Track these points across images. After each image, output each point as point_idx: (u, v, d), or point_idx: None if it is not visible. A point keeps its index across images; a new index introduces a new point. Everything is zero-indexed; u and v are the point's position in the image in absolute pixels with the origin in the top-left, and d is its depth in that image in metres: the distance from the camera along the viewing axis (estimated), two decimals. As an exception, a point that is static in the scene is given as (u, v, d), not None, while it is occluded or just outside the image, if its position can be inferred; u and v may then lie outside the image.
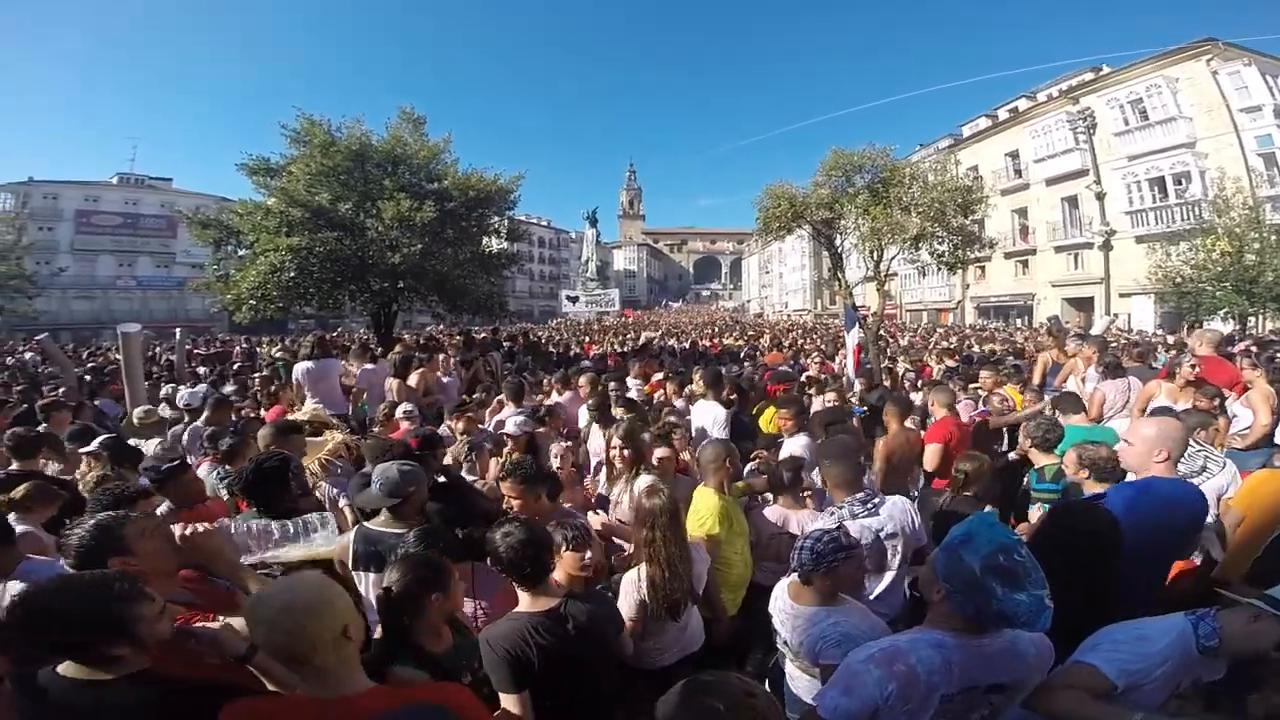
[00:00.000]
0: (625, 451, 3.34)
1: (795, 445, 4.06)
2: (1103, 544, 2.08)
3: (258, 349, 15.19)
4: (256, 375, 9.19)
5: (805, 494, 3.19)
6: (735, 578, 2.87)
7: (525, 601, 1.96)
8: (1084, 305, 25.87)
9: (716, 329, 24.82)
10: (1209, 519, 3.03)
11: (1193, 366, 4.74)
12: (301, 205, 10.80)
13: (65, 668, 1.35)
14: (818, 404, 5.68)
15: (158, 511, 2.62)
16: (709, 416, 5.02)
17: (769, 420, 5.00)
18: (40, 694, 1.34)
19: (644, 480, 3.14)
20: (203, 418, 5.22)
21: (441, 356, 7.64)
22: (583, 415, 5.50)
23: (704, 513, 2.86)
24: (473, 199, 12.48)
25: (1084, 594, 2.00)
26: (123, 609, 1.35)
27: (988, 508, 3.17)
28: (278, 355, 12.41)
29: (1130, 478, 2.48)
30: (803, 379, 7.28)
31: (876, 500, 2.69)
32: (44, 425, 4.97)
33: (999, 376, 6.01)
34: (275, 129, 11.60)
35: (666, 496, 2.45)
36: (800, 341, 16.29)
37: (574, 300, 30.88)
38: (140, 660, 1.41)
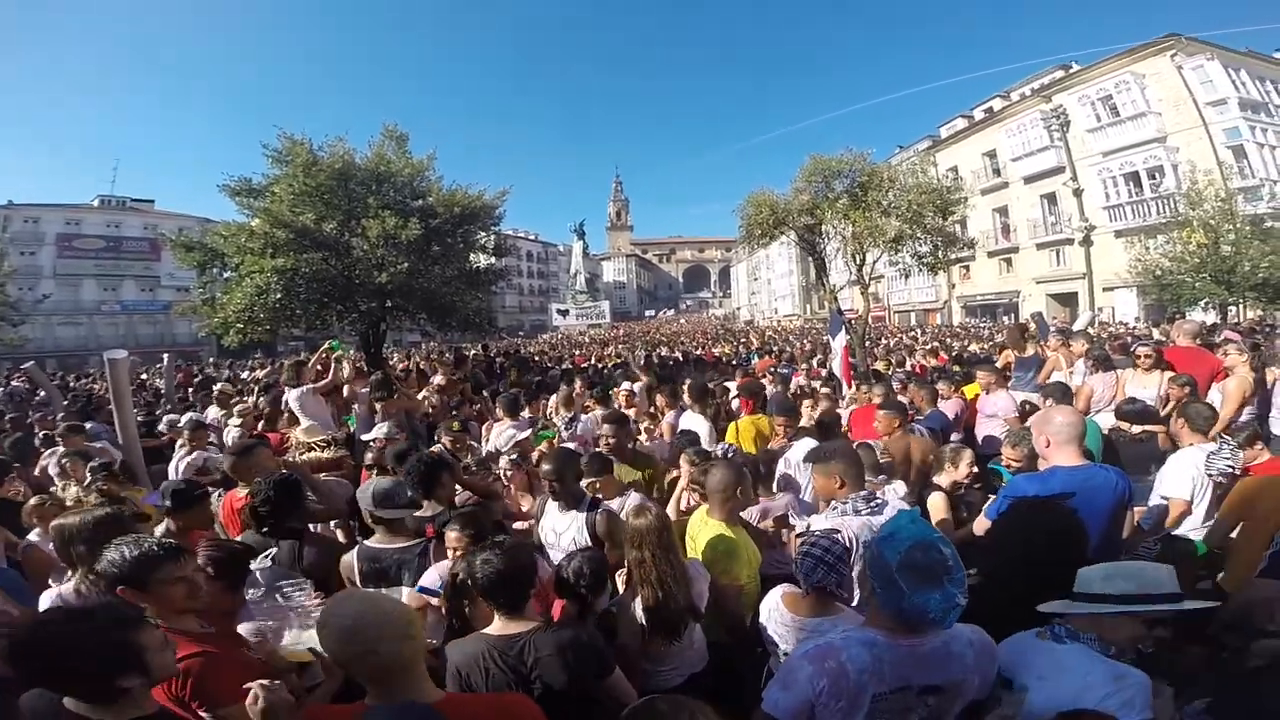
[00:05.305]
0: None
1: (803, 450, 3.95)
2: (1056, 532, 2.14)
3: (243, 373, 15.06)
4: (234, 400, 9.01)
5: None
6: (747, 598, 2.69)
7: (497, 624, 1.91)
8: (1069, 301, 26.16)
9: (707, 337, 24.89)
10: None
11: (1147, 354, 4.91)
12: (285, 226, 10.63)
13: (70, 703, 1.32)
14: (806, 411, 5.69)
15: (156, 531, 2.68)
16: (695, 430, 4.91)
17: (746, 431, 4.88)
18: None
19: (634, 498, 3.08)
20: (183, 446, 5.16)
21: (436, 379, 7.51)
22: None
23: (723, 560, 2.56)
24: (458, 215, 12.44)
25: (1042, 579, 2.00)
26: (131, 636, 1.35)
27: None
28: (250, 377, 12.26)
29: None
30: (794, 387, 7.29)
31: (879, 500, 2.63)
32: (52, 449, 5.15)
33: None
34: (257, 148, 11.49)
35: (654, 515, 2.36)
36: (777, 342, 16.23)
37: (564, 314, 30.93)
38: (146, 700, 1.41)
